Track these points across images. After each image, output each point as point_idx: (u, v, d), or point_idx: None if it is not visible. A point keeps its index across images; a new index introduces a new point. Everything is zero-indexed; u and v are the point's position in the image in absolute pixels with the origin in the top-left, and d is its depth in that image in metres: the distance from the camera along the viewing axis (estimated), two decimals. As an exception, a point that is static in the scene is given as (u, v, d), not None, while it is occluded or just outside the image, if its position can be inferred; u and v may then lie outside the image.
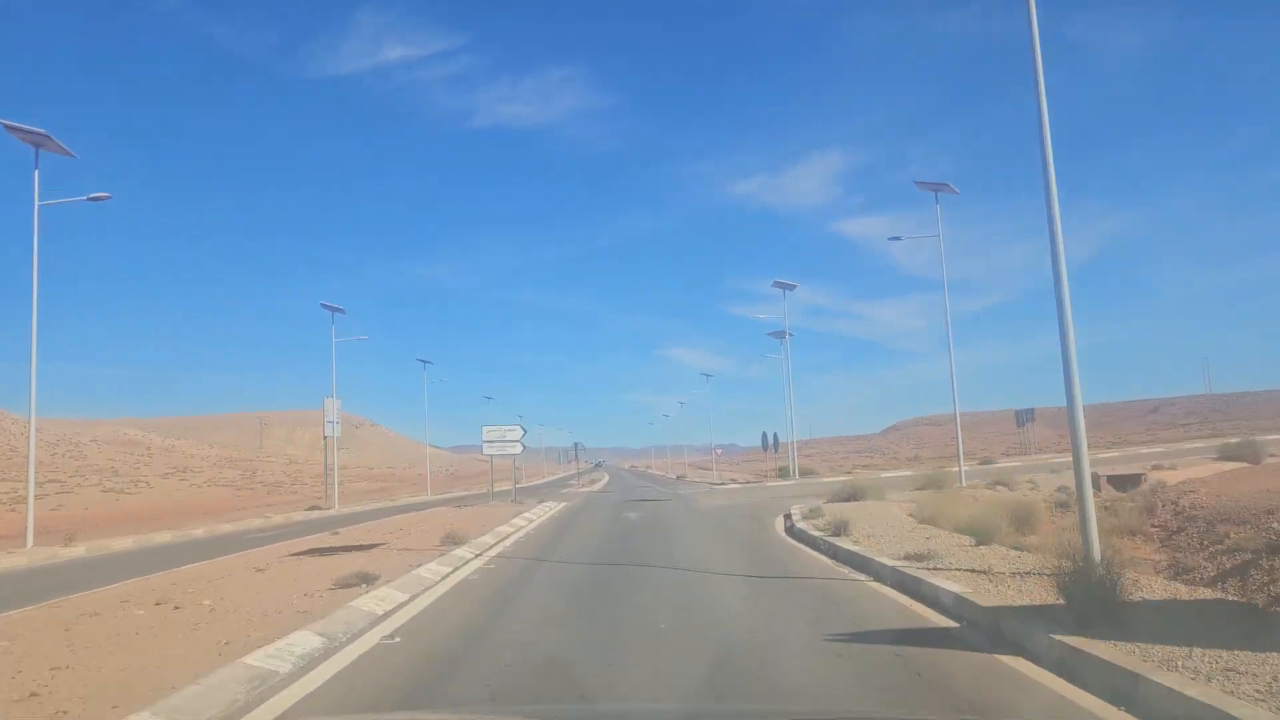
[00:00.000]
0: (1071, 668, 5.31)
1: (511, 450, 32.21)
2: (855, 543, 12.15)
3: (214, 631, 7.52)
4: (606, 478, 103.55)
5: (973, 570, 8.92)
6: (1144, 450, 52.93)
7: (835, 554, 12.02)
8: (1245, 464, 23.77)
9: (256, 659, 6.27)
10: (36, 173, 22.00)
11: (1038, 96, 8.15)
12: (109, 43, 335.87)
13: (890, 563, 9.86)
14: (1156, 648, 5.23)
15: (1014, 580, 8.18)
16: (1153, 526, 11.00)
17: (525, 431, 33.08)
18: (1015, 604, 7.03)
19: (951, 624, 7.14)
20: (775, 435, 56.20)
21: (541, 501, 31.53)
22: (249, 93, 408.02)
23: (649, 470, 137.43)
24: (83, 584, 12.03)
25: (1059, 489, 17.45)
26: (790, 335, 48.62)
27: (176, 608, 8.95)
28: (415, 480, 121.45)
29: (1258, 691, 4.36)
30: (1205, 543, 9.20)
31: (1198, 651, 5.10)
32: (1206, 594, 7.33)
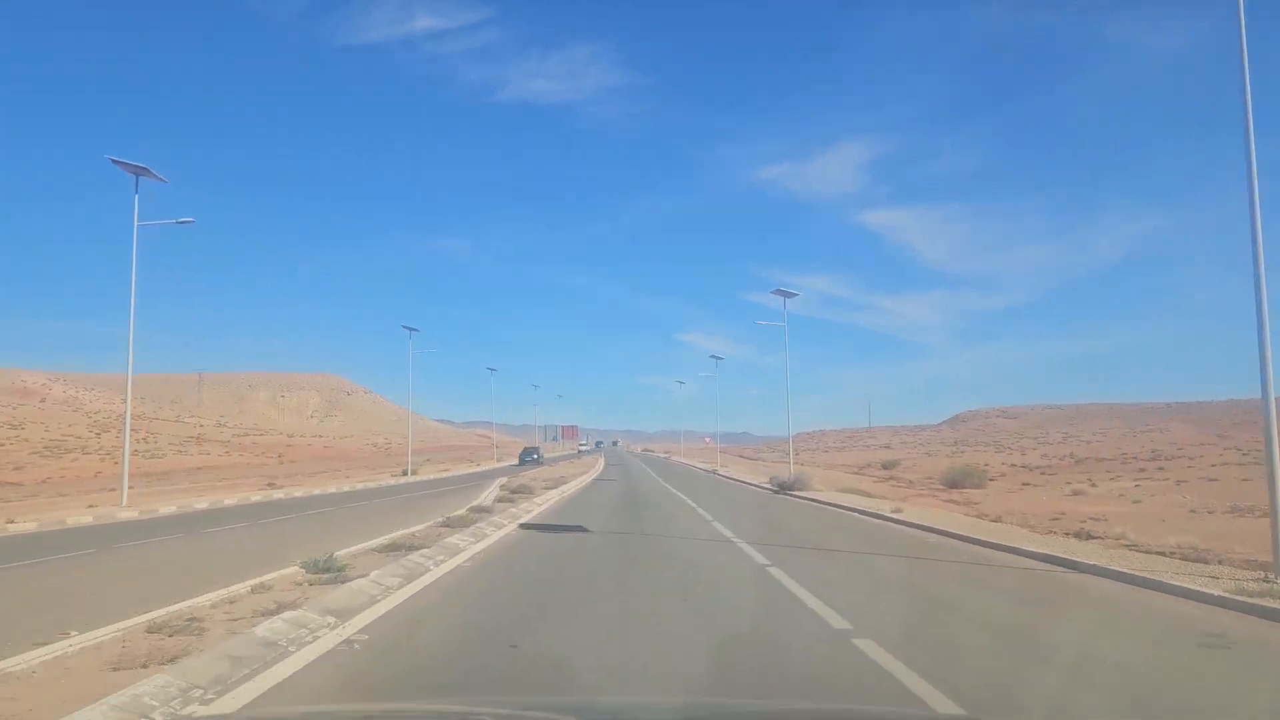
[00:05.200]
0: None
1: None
2: None
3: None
4: (602, 463, 70.52)
5: None
6: None
7: None
8: None
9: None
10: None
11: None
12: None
13: None
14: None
15: None
16: None
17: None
18: None
19: None
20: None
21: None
22: (273, 57, 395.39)
23: (670, 458, 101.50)
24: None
25: None
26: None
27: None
28: (399, 456, 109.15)
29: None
30: None
31: None
32: None
